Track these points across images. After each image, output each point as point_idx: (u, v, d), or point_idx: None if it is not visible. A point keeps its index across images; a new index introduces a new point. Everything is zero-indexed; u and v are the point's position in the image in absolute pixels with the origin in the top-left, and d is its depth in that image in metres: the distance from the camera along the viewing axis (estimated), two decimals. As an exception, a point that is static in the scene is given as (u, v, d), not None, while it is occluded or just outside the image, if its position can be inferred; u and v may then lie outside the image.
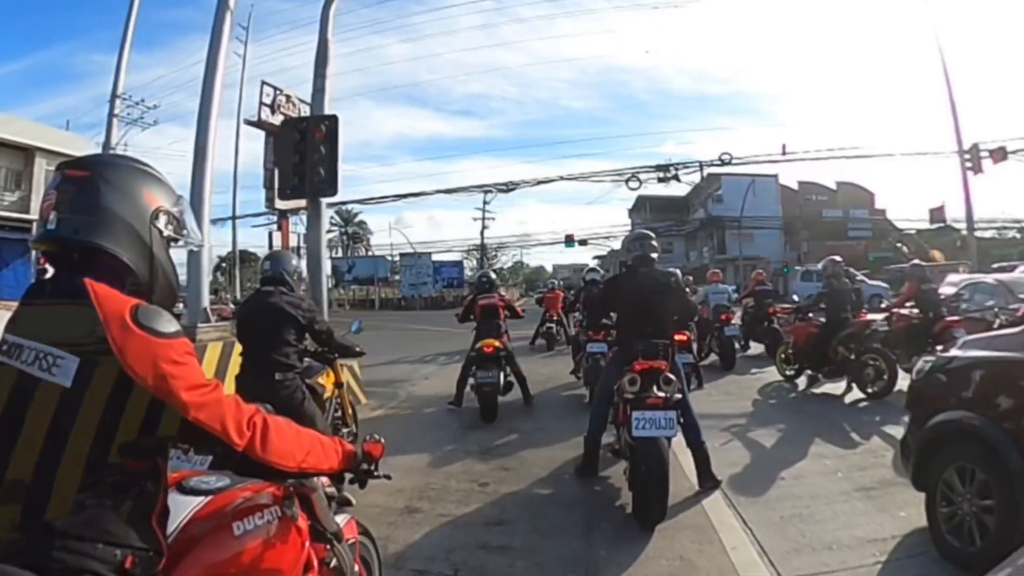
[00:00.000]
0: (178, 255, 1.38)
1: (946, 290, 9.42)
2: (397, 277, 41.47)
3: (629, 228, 35.50)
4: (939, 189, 76.96)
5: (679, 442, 3.85)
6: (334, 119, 6.42)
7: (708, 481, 3.90)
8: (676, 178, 31.17)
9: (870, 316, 7.35)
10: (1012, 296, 8.44)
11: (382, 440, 1.58)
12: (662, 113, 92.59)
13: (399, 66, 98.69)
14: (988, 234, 33.25)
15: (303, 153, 6.20)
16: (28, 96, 71.82)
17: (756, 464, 4.55)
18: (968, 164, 21.30)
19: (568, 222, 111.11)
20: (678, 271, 7.04)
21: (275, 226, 21.53)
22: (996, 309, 8.17)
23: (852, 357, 6.82)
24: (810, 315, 7.73)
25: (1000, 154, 21.35)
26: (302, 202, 7.26)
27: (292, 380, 3.57)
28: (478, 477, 4.39)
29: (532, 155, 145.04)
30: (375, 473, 1.56)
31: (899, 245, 35.03)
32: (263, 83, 15.14)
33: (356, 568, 1.76)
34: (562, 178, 37.67)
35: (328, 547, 1.61)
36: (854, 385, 6.88)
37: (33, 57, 75.06)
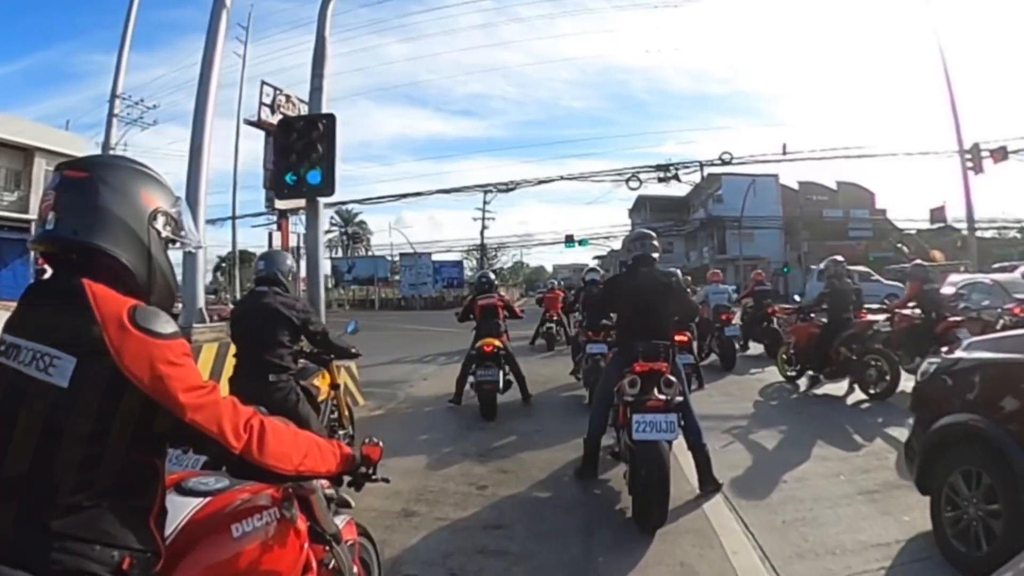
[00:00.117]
0: (175, 255, 1.36)
1: (946, 290, 9.42)
2: (397, 277, 41.48)
3: (629, 228, 35.44)
4: (940, 189, 76.92)
5: (679, 444, 3.79)
6: (332, 118, 6.37)
7: (709, 484, 3.85)
8: (676, 178, 31.10)
9: (871, 316, 7.31)
10: (1008, 296, 8.60)
11: (381, 443, 1.56)
12: (662, 113, 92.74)
13: (399, 66, 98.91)
14: (989, 234, 33.19)
15: (300, 152, 6.15)
16: (28, 96, 71.85)
17: (758, 466, 4.50)
18: (969, 164, 21.23)
19: (568, 222, 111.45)
20: (678, 271, 6.98)
21: (275, 226, 21.48)
22: (996, 309, 8.20)
23: (854, 358, 6.77)
24: (812, 315, 7.68)
25: (1001, 154, 21.28)
26: (301, 202, 7.21)
27: (286, 382, 3.53)
28: (476, 480, 4.34)
29: (532, 155, 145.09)
30: (373, 476, 1.54)
31: (900, 245, 34.96)
32: (263, 83, 15.17)
33: (355, 569, 1.75)
34: (562, 178, 37.66)
35: (327, 548, 1.61)
36: (856, 386, 6.83)
37: (33, 57, 75.08)
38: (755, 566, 2.96)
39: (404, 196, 35.79)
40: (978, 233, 23.72)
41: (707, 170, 32.68)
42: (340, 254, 49.39)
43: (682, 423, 3.61)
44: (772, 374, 8.35)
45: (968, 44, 75.55)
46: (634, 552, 3.13)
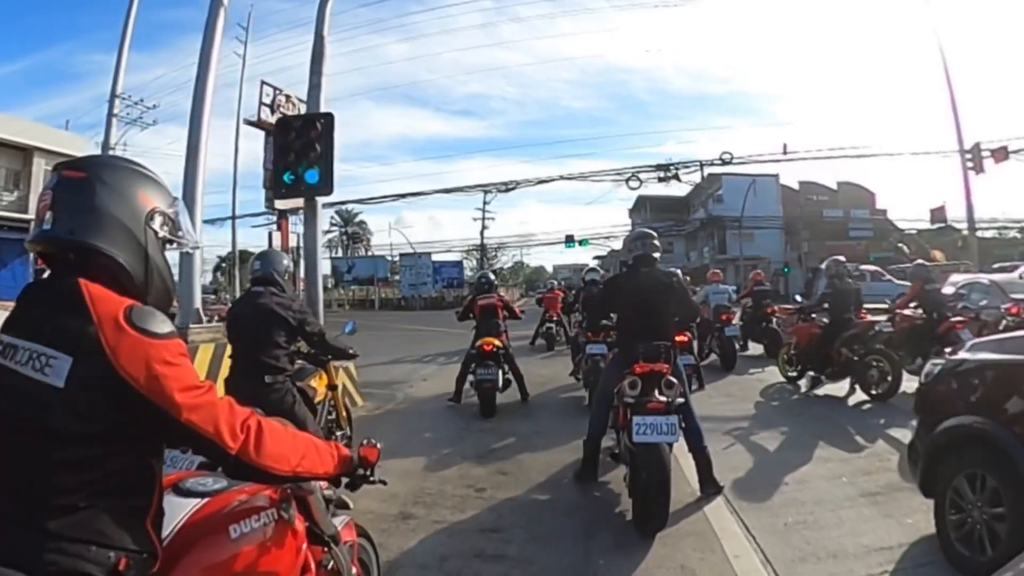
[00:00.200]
0: (172, 256, 1.34)
1: (947, 290, 9.42)
2: (397, 277, 41.48)
3: (629, 228, 35.37)
4: (940, 189, 76.94)
5: (680, 446, 3.75)
6: (330, 117, 6.34)
7: (710, 486, 3.81)
8: (676, 178, 31.04)
9: (872, 317, 7.28)
10: (1005, 296, 8.72)
11: (379, 445, 1.55)
12: (662, 113, 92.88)
13: (399, 66, 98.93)
14: (989, 234, 33.16)
15: (298, 152, 6.11)
16: (28, 96, 71.92)
17: (759, 468, 4.46)
18: (969, 164, 21.19)
19: (568, 222, 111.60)
20: (679, 271, 6.95)
21: (275, 226, 21.44)
22: (993, 309, 8.25)
23: (856, 358, 6.73)
24: (813, 315, 7.63)
25: (1002, 153, 21.24)
26: (301, 202, 7.20)
27: (282, 383, 3.50)
28: (475, 482, 4.29)
29: (532, 155, 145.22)
30: (371, 478, 1.53)
31: (900, 245, 34.91)
32: (263, 83, 15.11)
33: (354, 571, 1.75)
34: (562, 178, 37.69)
35: (326, 549, 1.60)
36: (857, 387, 6.79)
37: (33, 57, 75.12)
38: (756, 570, 2.92)
39: (404, 196, 35.83)
40: (978, 233, 23.69)
41: (707, 170, 32.65)
42: (340, 254, 49.41)
43: (683, 425, 3.57)
44: (773, 374, 8.30)
45: (969, 43, 75.56)
46: (634, 556, 3.09)
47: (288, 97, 14.86)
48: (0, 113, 21.03)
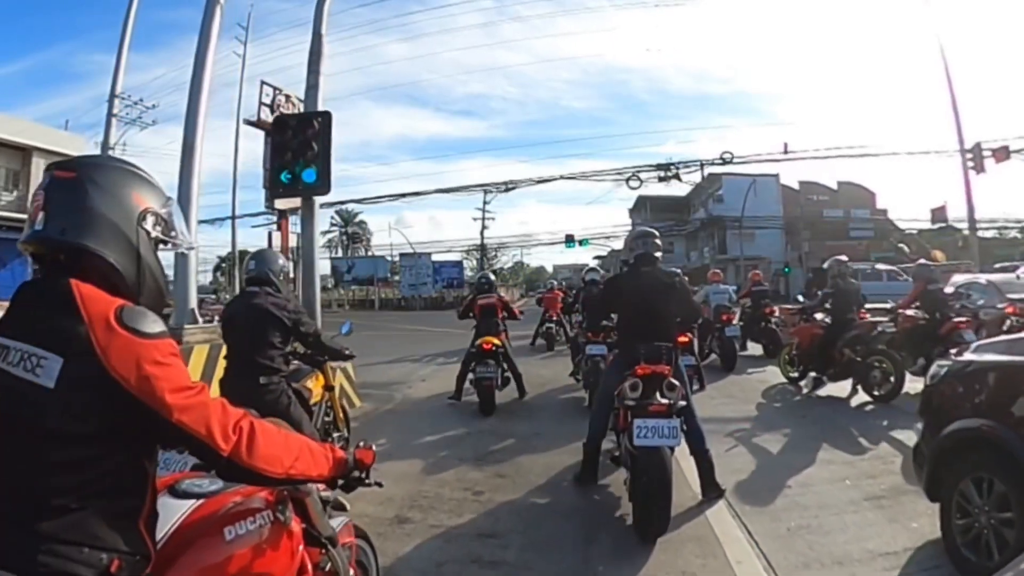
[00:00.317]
0: (167, 256, 1.32)
1: (948, 290, 9.42)
2: (397, 277, 41.47)
3: (630, 228, 35.28)
4: (940, 189, 76.93)
5: (681, 448, 3.68)
6: (327, 115, 6.29)
7: (712, 490, 3.75)
8: (677, 177, 30.93)
9: (872, 318, 7.23)
10: (1001, 295, 8.87)
11: (373, 447, 1.54)
12: (662, 113, 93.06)
13: (399, 66, 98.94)
14: (989, 234, 33.10)
15: (296, 150, 6.06)
16: (28, 96, 72.05)
17: (761, 471, 4.40)
18: (970, 163, 21.12)
19: (568, 222, 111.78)
20: (678, 271, 6.90)
21: (275, 226, 21.38)
22: (991, 308, 8.31)
23: (858, 359, 6.67)
24: (815, 316, 7.57)
25: (1003, 153, 21.14)
26: (299, 201, 7.13)
27: (277, 384, 3.46)
28: (472, 485, 4.23)
29: (532, 155, 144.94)
30: (366, 481, 1.52)
31: (901, 245, 34.88)
32: (262, 83, 14.98)
33: (351, 572, 1.74)
34: (562, 177, 37.59)
35: (323, 551, 1.59)
36: (859, 388, 6.74)
37: (33, 57, 75.16)
38: (759, 576, 2.86)
39: (404, 196, 35.73)
40: (979, 233, 23.61)
41: (708, 170, 32.56)
42: (340, 254, 49.39)
43: (684, 428, 3.51)
44: (774, 375, 8.25)
45: (971, 43, 75.45)
46: (635, 561, 3.04)
47: (288, 97, 14.76)
48: (-1, 113, 21.01)
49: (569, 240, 36.34)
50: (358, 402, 7.11)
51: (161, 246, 1.28)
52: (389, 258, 43.03)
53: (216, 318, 6.97)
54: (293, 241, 7.86)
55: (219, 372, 3.99)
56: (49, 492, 1.03)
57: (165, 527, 1.23)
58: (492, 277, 8.17)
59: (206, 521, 1.30)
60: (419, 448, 5.31)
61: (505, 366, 6.86)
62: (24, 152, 20.39)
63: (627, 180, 31.17)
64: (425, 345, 14.04)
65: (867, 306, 7.31)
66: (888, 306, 8.66)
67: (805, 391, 7.33)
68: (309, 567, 1.52)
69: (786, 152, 30.01)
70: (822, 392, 7.15)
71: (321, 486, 1.55)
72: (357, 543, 1.92)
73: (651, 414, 3.34)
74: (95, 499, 1.06)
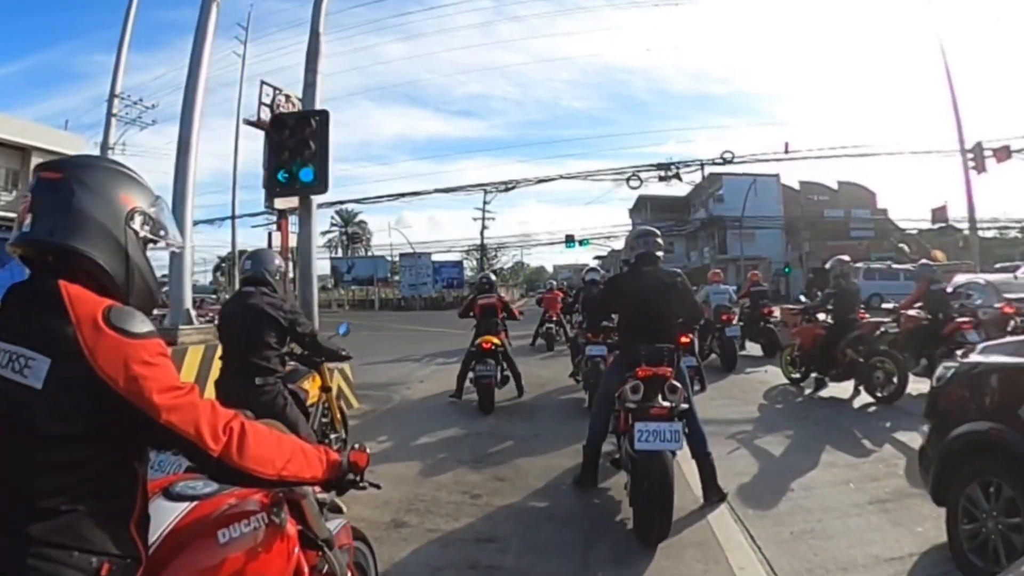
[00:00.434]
0: (163, 256, 1.27)
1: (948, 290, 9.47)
2: (397, 277, 41.44)
3: (630, 228, 35.21)
4: (941, 189, 76.87)
5: (683, 451, 3.62)
6: (324, 114, 6.23)
7: (714, 494, 3.69)
8: (677, 177, 30.87)
9: (871, 318, 7.20)
10: (998, 295, 8.97)
11: (368, 449, 1.53)
12: (662, 113, 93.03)
13: (399, 66, 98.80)
14: (990, 234, 33.06)
15: (293, 149, 6.00)
16: (28, 96, 72.03)
17: (764, 474, 4.34)
18: (971, 163, 21.06)
19: (568, 222, 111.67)
20: (680, 271, 6.86)
21: (275, 226, 21.36)
22: (988, 308, 8.34)
23: (861, 360, 6.62)
24: (817, 316, 7.50)
25: (1004, 153, 21.07)
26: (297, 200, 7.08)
27: (273, 385, 3.44)
28: (470, 488, 4.17)
29: (532, 155, 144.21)
30: (360, 483, 1.50)
31: (901, 245, 34.84)
32: (262, 83, 14.94)
33: (349, 575, 1.72)
34: (562, 177, 37.62)
35: (320, 554, 1.57)
36: (862, 389, 6.69)
37: (33, 57, 75.16)
38: (762, 583, 2.81)
39: (403, 195, 35.72)
40: (979, 233, 23.56)
41: (708, 169, 32.52)
42: (340, 254, 49.37)
43: (686, 430, 3.45)
44: (774, 375, 8.22)
45: (974, 42, 75.40)
46: (635, 567, 2.98)
47: (288, 97, 14.71)
48: (-2, 113, 20.98)
49: (569, 240, 36.31)
50: (356, 403, 7.07)
51: (151, 245, 1.27)
52: (389, 258, 43.03)
53: (217, 318, 6.95)
54: (293, 241, 7.81)
55: (215, 373, 3.96)
56: (38, 494, 1.02)
57: (159, 530, 1.22)
58: (493, 278, 8.31)
59: (200, 524, 1.28)
60: (417, 450, 5.26)
61: (504, 365, 6.97)
62: (23, 152, 20.37)
63: (627, 180, 31.15)
64: (424, 345, 14.00)
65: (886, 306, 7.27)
66: (890, 306, 8.64)
67: (807, 392, 7.27)
68: (305, 569, 1.50)
69: (787, 152, 29.96)
70: (824, 393, 7.09)
71: (317, 488, 1.53)
72: (355, 545, 1.90)
73: (652, 417, 3.27)
74: (85, 501, 1.05)
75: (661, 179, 30.87)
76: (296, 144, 5.98)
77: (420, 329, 19.75)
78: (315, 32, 7.13)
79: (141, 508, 1.15)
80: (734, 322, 9.62)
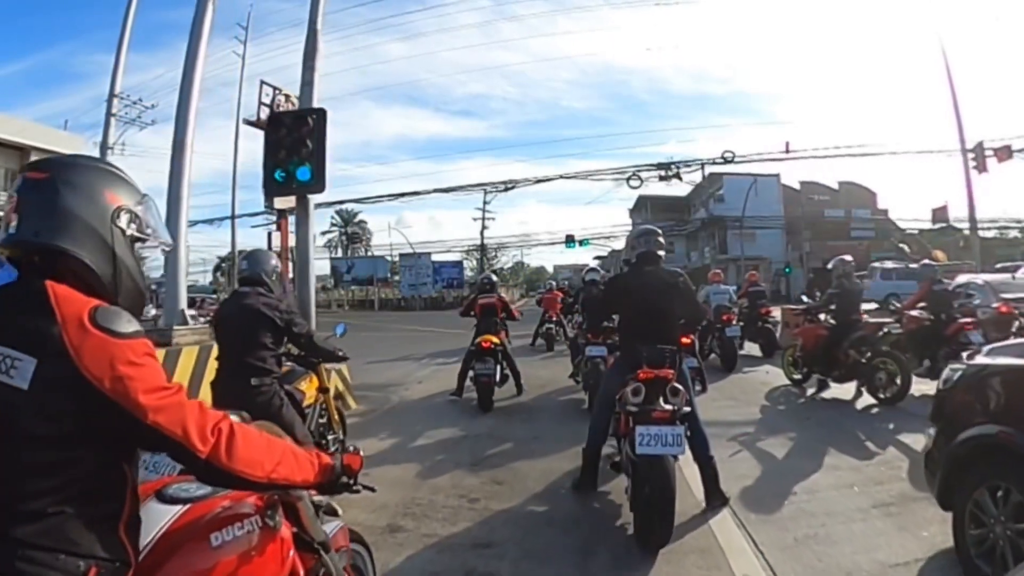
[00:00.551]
0: (159, 256, 1.22)
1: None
2: (397, 277, 41.42)
3: (630, 228, 35.18)
4: (941, 189, 76.82)
5: (684, 454, 3.57)
6: (322, 113, 6.17)
7: (716, 498, 3.62)
8: (678, 176, 30.83)
9: (876, 319, 7.15)
10: (995, 295, 9.02)
11: (361, 452, 1.52)
12: (662, 113, 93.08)
13: (398, 66, 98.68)
14: (990, 234, 33.03)
15: (289, 148, 5.95)
16: (28, 96, 72.08)
17: (766, 477, 4.28)
18: (972, 163, 21.00)
19: (568, 222, 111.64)
20: (682, 271, 6.81)
21: (274, 226, 21.33)
22: (985, 308, 8.33)
23: (863, 361, 6.55)
24: (819, 316, 7.44)
25: (1005, 152, 21.02)
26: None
27: (269, 386, 3.42)
28: (468, 492, 4.10)
29: (532, 155, 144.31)
30: (354, 487, 1.49)
31: (901, 245, 34.80)
32: (262, 82, 14.91)
33: None
34: (562, 177, 37.61)
35: (316, 557, 1.56)
36: (864, 390, 6.63)
37: (33, 57, 75.17)
38: (765, 590, 2.75)
39: (403, 195, 35.71)
40: (980, 233, 23.52)
41: (708, 169, 32.51)
42: (340, 254, 49.34)
43: (688, 434, 3.38)
44: (775, 376, 8.16)
45: (974, 41, 75.31)
46: (636, 573, 2.92)
47: (288, 96, 14.67)
48: (-2, 113, 20.96)
49: (569, 240, 36.27)
50: (354, 404, 7.02)
51: (139, 245, 1.25)
52: (389, 258, 42.99)
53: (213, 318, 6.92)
54: (293, 241, 7.78)
55: (211, 373, 3.92)
56: (24, 496, 1.00)
57: (151, 533, 1.21)
58: (495, 278, 8.49)
59: (192, 527, 1.27)
60: (415, 452, 5.20)
61: (504, 364, 7.10)
62: (22, 152, 20.33)
63: (627, 179, 31.11)
64: (424, 345, 13.96)
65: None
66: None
67: (809, 393, 7.21)
68: (301, 572, 1.49)
69: (788, 151, 29.91)
70: (826, 394, 7.04)
71: (313, 491, 1.51)
72: (352, 548, 1.88)
73: (654, 421, 3.21)
74: (72, 503, 1.03)
75: (661, 179, 30.85)
76: (293, 143, 5.93)
77: (420, 329, 19.70)
78: (313, 30, 7.09)
79: (131, 510, 1.13)
80: (734, 322, 9.61)
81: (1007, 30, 75.45)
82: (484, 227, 41.05)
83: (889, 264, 24.42)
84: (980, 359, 3.08)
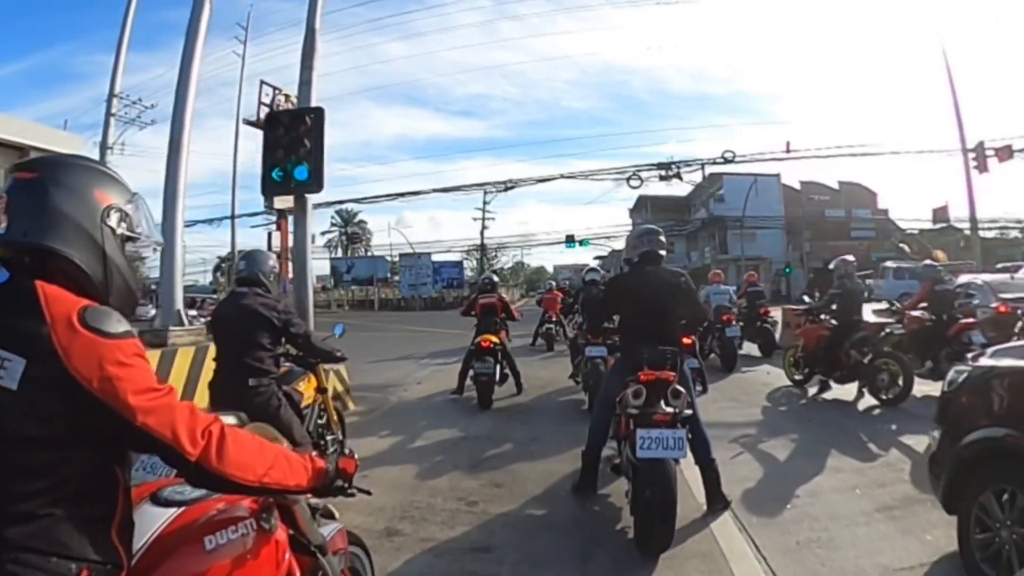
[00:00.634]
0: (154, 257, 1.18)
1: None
2: (397, 278, 41.40)
3: (630, 228, 35.14)
4: (942, 189, 76.78)
5: (686, 457, 3.52)
6: (320, 112, 6.14)
7: (718, 501, 3.57)
8: (678, 176, 30.80)
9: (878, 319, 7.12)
10: (994, 295, 9.02)
11: (356, 456, 1.51)
12: (663, 113, 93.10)
13: (398, 66, 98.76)
14: (990, 234, 33.01)
15: (287, 147, 5.91)
16: (28, 96, 72.15)
17: (768, 480, 4.23)
18: (973, 163, 20.97)
19: (568, 222, 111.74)
20: (684, 271, 6.77)
21: (274, 226, 21.33)
22: (984, 307, 8.32)
23: (865, 361, 6.50)
24: (821, 317, 7.39)
25: (1006, 152, 20.99)
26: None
27: (267, 386, 3.41)
28: (466, 495, 4.06)
29: (532, 155, 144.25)
30: (348, 491, 1.47)
31: (902, 245, 34.80)
32: (262, 82, 14.91)
33: None
34: (562, 176, 37.58)
35: (313, 560, 1.56)
36: (866, 391, 6.58)
37: (33, 57, 75.18)
38: (768, 595, 2.71)
39: (403, 195, 35.72)
40: (980, 233, 23.50)
41: (709, 169, 32.47)
42: (340, 254, 49.32)
43: (689, 436, 3.33)
44: (776, 376, 8.12)
45: (976, 40, 75.26)
46: (636, 579, 2.88)
47: (288, 96, 14.68)
48: (-2, 113, 20.93)
49: (569, 240, 36.26)
50: (352, 405, 6.97)
51: (130, 244, 1.25)
52: (389, 258, 42.99)
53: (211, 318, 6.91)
54: (292, 241, 7.75)
55: (208, 374, 3.90)
56: (15, 498, 1.00)
57: (144, 536, 1.20)
58: (495, 279, 8.61)
59: (186, 530, 1.26)
60: (413, 453, 5.16)
61: (504, 363, 7.23)
62: (22, 152, 20.16)
63: (628, 179, 31.09)
64: (424, 346, 13.93)
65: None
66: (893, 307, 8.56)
67: (811, 394, 7.16)
68: (297, 575, 1.48)
69: (788, 151, 29.87)
70: (828, 395, 6.99)
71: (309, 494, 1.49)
72: (351, 550, 1.86)
73: (655, 424, 3.16)
74: (63, 505, 1.03)
75: (662, 179, 30.82)
76: (291, 142, 5.90)
77: (419, 330, 19.67)
78: (311, 29, 7.06)
79: (123, 513, 1.12)
80: (734, 322, 9.60)
81: (1007, 30, 75.43)
82: (484, 227, 41.09)
83: (904, 264, 24.40)
84: (985, 361, 3.04)
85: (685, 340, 4.47)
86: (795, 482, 4.08)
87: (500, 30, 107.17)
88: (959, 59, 30.48)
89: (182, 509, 1.30)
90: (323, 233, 50.52)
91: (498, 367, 7.04)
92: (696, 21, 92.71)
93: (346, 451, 1.53)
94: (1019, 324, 7.51)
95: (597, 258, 41.35)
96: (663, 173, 30.59)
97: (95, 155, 17.56)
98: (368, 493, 1.59)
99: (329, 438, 4.43)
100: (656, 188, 33.91)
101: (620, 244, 36.44)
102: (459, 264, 42.00)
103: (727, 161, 30.46)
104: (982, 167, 20.82)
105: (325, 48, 6.82)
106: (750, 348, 10.72)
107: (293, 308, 4.08)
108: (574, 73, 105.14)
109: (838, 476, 4.23)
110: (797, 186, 37.40)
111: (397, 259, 41.93)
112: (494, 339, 7.01)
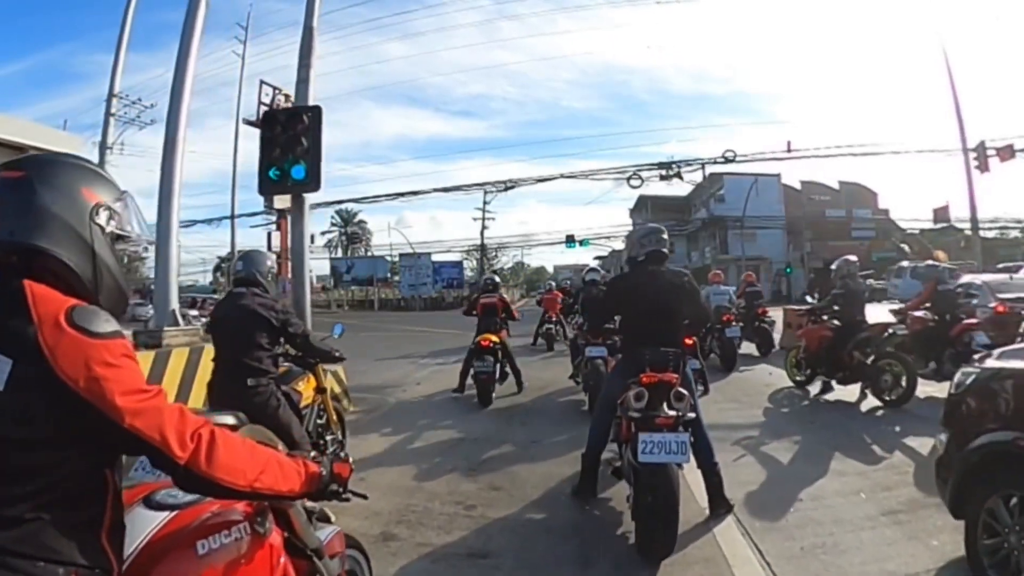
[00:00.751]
0: (150, 257, 1.14)
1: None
2: (396, 278, 41.40)
3: (630, 228, 35.08)
4: (942, 189, 76.71)
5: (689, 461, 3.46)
6: (317, 111, 6.09)
7: (720, 506, 3.50)
8: (679, 176, 30.78)
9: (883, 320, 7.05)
10: (992, 295, 9.10)
11: (351, 460, 1.50)
12: (663, 113, 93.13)
13: (398, 66, 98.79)
14: (991, 234, 32.97)
15: (284, 146, 5.86)
16: (28, 96, 72.15)
17: (771, 483, 4.17)
18: (975, 163, 20.92)
19: (568, 222, 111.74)
20: (687, 271, 6.72)
21: (274, 226, 21.31)
22: (983, 308, 8.28)
23: (868, 362, 6.45)
24: (824, 317, 7.33)
25: (1008, 152, 20.94)
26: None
27: (266, 386, 3.41)
28: (464, 498, 4.00)
29: (532, 155, 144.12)
30: (343, 495, 1.47)
31: (902, 245, 34.76)
32: (261, 82, 14.87)
33: None
34: (562, 176, 37.59)
35: (309, 563, 1.54)
36: (868, 392, 6.53)
37: (33, 57, 75.19)
38: (773, 603, 2.65)
39: (403, 195, 35.69)
40: (981, 233, 23.46)
41: (709, 169, 32.45)
42: (340, 254, 49.32)
43: (691, 440, 3.26)
44: (778, 377, 8.05)
45: (977, 40, 75.20)
46: (637, 586, 2.82)
47: (287, 96, 14.61)
48: (-2, 113, 20.92)
49: (569, 240, 36.23)
50: (350, 406, 6.91)
51: (120, 243, 1.23)
52: (389, 258, 43.00)
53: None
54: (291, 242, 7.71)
55: (205, 375, 3.88)
56: (1, 501, 0.98)
57: (136, 540, 1.19)
58: (497, 279, 8.76)
59: (178, 534, 1.24)
60: (411, 455, 5.11)
61: (504, 362, 7.41)
62: (21, 151, 20.22)
63: (628, 179, 31.08)
64: (424, 346, 13.90)
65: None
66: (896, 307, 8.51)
67: (813, 395, 7.11)
68: None
69: (789, 151, 29.83)
70: (830, 396, 6.93)
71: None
72: (348, 553, 1.84)
73: (657, 427, 3.09)
74: (51, 509, 1.01)
75: (662, 178, 30.80)
76: (288, 140, 5.85)
77: (419, 330, 19.63)
78: (308, 28, 7.01)
79: (113, 517, 1.10)
80: (733, 323, 9.57)
81: (1007, 30, 75.32)
82: (484, 227, 41.04)
83: (922, 264, 24.33)
84: (993, 363, 2.99)
85: (687, 341, 4.40)
86: (799, 485, 4.02)
87: (500, 30, 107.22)
88: (960, 59, 30.45)
89: (175, 513, 1.28)
90: (323, 233, 50.57)
91: (498, 365, 7.22)
92: (696, 21, 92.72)
93: (342, 454, 1.51)
94: (1023, 325, 7.44)
95: (597, 258, 41.36)
96: (663, 173, 30.56)
97: (95, 155, 17.57)
98: (364, 497, 1.57)
99: (329, 438, 4.41)
100: (656, 188, 33.93)
101: (620, 244, 36.47)
102: (459, 264, 42.03)
103: (727, 161, 30.43)
104: (983, 167, 20.77)
105: (324, 48, 6.80)
106: (748, 348, 10.73)
107: (291, 308, 4.03)
108: (574, 73, 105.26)
109: (842, 479, 4.17)
110: (797, 186, 37.36)
111: (397, 259, 41.96)
112: (494, 338, 7.16)
